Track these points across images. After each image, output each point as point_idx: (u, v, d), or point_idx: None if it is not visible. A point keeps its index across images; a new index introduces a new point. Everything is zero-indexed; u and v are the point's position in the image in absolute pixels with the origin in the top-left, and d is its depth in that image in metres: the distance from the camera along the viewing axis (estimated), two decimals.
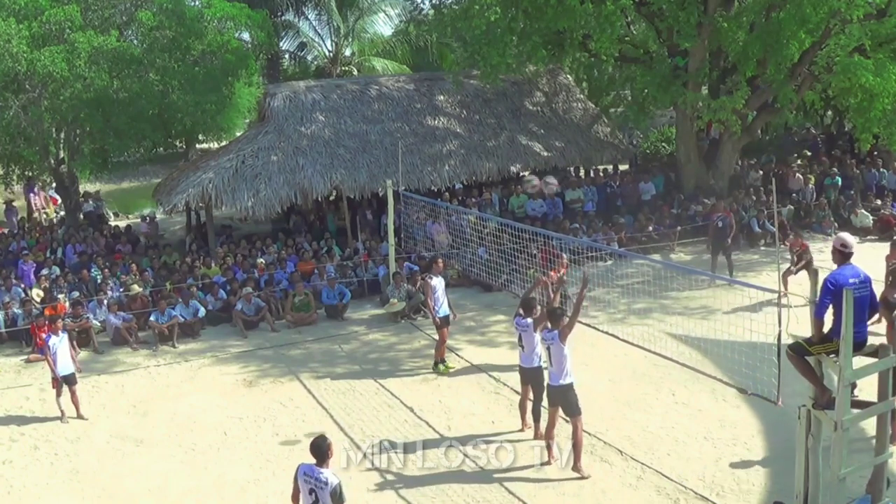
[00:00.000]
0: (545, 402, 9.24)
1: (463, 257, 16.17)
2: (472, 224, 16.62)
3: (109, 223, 21.90)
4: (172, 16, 17.41)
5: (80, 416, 11.04)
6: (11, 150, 18.30)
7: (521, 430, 9.90)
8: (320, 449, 6.30)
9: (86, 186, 23.07)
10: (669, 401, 10.68)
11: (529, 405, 9.84)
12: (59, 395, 10.99)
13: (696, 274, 14.55)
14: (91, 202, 21.89)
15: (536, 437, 9.58)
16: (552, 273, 11.70)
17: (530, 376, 9.71)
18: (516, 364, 12.07)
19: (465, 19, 19.06)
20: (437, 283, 12.29)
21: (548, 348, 8.72)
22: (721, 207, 16.69)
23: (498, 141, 20.53)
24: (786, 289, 14.81)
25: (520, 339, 9.68)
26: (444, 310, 12.25)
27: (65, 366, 10.99)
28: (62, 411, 11.00)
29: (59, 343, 11.02)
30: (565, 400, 8.71)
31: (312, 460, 6.40)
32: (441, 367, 12.19)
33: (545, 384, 9.03)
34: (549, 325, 8.89)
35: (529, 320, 9.57)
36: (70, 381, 11.04)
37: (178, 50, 17.64)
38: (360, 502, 8.56)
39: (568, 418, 8.90)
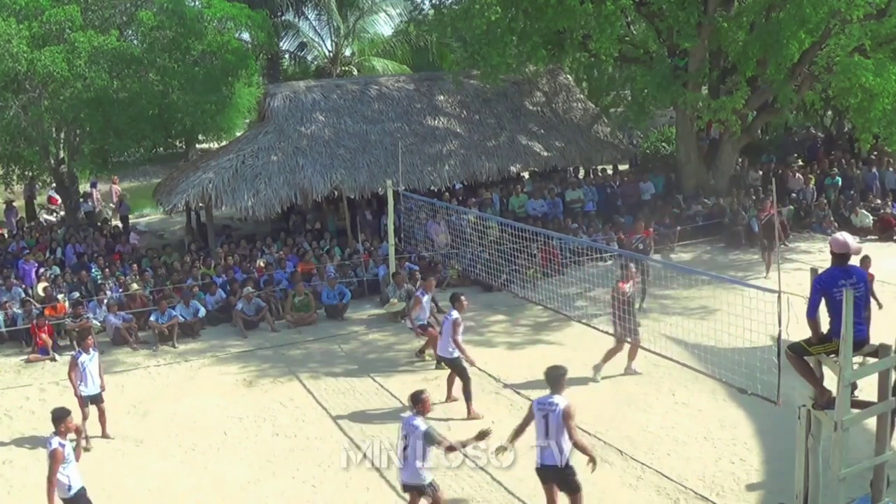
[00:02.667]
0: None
1: (463, 257, 16.17)
2: (472, 224, 16.61)
3: (110, 223, 21.91)
4: (172, 16, 17.41)
5: (105, 436, 10.36)
6: (11, 150, 18.29)
7: (445, 402, 10.63)
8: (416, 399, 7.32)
9: (85, 187, 23.08)
10: (669, 401, 10.68)
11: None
12: (85, 417, 10.01)
13: (696, 274, 14.54)
14: (89, 202, 21.88)
15: (470, 416, 10.17)
16: (621, 284, 11.29)
17: (448, 364, 10.63)
18: (516, 364, 12.13)
19: (465, 19, 19.06)
20: (426, 300, 12.45)
21: (545, 416, 7.03)
22: (641, 228, 15.53)
23: (498, 141, 20.53)
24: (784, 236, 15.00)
25: (441, 327, 10.27)
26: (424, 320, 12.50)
27: (94, 385, 10.21)
28: (86, 437, 9.93)
29: (90, 361, 10.18)
30: (562, 480, 7.17)
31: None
32: (427, 355, 12.55)
33: (536, 463, 7.27)
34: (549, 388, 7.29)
35: (455, 314, 10.43)
36: (97, 400, 10.28)
37: (178, 50, 17.64)
38: (361, 502, 8.57)
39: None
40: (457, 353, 10.45)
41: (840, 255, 6.36)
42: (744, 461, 8.96)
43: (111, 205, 23.72)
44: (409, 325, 12.74)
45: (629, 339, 11.12)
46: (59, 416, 7.63)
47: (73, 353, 10.41)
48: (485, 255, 15.05)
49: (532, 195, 19.75)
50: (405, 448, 7.17)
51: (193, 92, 17.15)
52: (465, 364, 10.48)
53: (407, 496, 7.51)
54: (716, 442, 9.47)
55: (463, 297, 10.94)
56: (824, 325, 6.41)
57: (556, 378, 7.21)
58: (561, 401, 7.03)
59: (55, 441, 7.50)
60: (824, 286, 6.20)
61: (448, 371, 10.88)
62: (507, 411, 10.58)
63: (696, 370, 9.36)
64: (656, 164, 23.61)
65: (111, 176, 22.92)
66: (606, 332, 11.18)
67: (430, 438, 7.05)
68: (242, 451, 9.87)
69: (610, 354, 11.33)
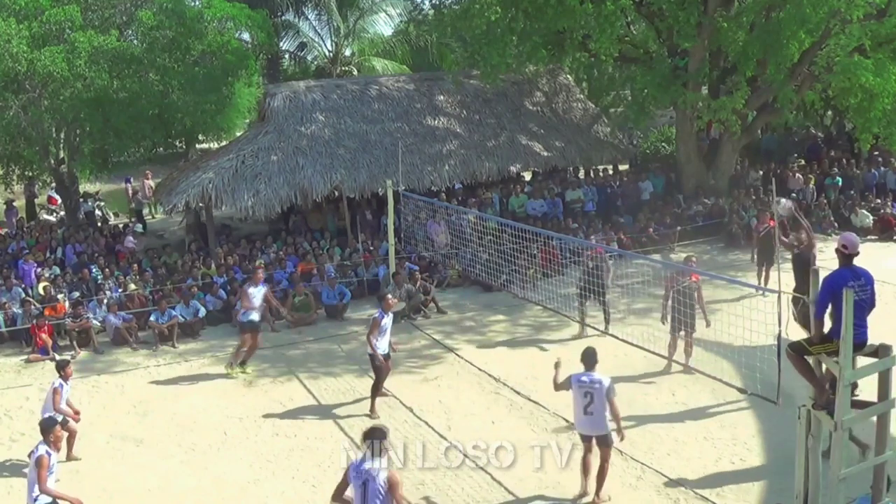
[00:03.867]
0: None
1: (463, 257, 16.17)
2: (472, 224, 16.62)
3: (110, 223, 21.93)
4: (172, 16, 17.41)
5: (71, 457, 9.82)
6: (11, 150, 18.30)
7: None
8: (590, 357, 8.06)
9: (85, 186, 23.08)
10: (669, 401, 10.67)
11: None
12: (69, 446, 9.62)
13: (696, 274, 14.52)
14: (88, 202, 21.82)
15: (372, 414, 10.49)
16: (675, 275, 11.17)
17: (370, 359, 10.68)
18: (516, 364, 12.08)
19: (465, 19, 19.06)
20: (255, 291, 12.32)
21: (363, 484, 6.03)
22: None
23: (498, 141, 20.53)
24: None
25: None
26: (254, 316, 12.33)
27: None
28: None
29: (68, 393, 9.73)
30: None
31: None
32: (239, 369, 12.36)
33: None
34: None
35: (377, 313, 10.62)
36: (64, 422, 9.45)
37: (178, 50, 17.64)
38: None
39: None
40: (372, 350, 10.56)
41: (851, 255, 6.36)
42: (744, 461, 8.96)
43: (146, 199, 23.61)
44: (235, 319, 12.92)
45: (681, 334, 11.10)
46: (48, 425, 7.80)
47: (56, 383, 9.65)
48: (484, 256, 15.05)
49: (532, 195, 19.75)
50: (589, 403, 7.92)
51: (193, 92, 17.15)
52: (378, 363, 10.57)
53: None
54: (716, 442, 9.47)
55: (389, 297, 10.84)
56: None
57: (376, 435, 6.07)
58: (381, 471, 5.97)
59: (42, 448, 7.63)
60: (834, 287, 6.18)
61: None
62: (507, 411, 10.60)
63: (697, 370, 9.36)
64: (656, 164, 23.61)
65: (145, 171, 23.07)
66: (606, 333, 11.18)
67: (613, 391, 7.97)
68: (242, 451, 9.87)
69: (670, 349, 11.28)
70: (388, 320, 10.68)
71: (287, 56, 34.39)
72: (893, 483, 6.97)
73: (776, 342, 7.71)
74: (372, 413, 10.55)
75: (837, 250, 6.45)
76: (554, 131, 21.50)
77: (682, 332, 11.14)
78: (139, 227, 18.67)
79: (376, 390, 10.70)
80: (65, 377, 9.71)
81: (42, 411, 9.62)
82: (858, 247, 6.43)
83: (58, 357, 13.27)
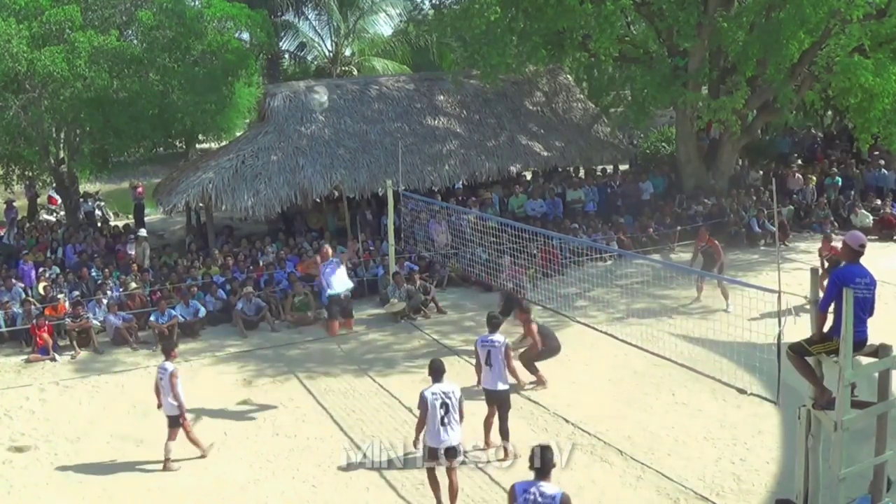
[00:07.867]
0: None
1: (463, 257, 16.17)
2: (472, 224, 16.61)
3: (110, 223, 21.92)
4: (172, 16, 17.40)
5: (202, 455, 9.74)
6: (11, 150, 18.28)
7: (484, 449, 9.53)
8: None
9: (85, 186, 23.08)
10: (669, 401, 10.68)
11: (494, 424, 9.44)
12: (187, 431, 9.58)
13: (696, 274, 14.53)
14: (89, 202, 21.81)
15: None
16: (696, 242, 14.15)
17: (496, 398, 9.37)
18: (515, 363, 12.03)
19: (465, 19, 19.05)
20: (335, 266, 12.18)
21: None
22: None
23: (498, 141, 20.52)
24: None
25: (487, 357, 9.28)
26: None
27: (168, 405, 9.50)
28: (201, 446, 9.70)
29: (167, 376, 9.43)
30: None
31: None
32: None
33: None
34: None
35: (499, 338, 9.36)
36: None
37: (178, 50, 17.63)
38: (360, 502, 8.57)
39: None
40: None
41: (857, 253, 6.34)
42: (744, 461, 8.96)
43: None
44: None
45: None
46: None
47: (170, 368, 9.54)
48: (484, 256, 15.04)
49: (532, 195, 19.74)
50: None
51: (193, 92, 17.14)
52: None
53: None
54: (716, 442, 9.47)
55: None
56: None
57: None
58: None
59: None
60: (843, 281, 6.16)
61: None
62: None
63: (696, 370, 9.36)
64: (656, 164, 23.62)
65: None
66: (606, 333, 11.17)
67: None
68: (242, 451, 9.87)
69: (698, 292, 14.43)
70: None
71: (287, 56, 34.41)
72: (893, 483, 6.97)
73: (776, 342, 7.70)
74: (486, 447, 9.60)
75: (847, 247, 6.37)
76: (554, 131, 21.50)
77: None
78: (142, 232, 18.19)
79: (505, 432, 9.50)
80: (172, 358, 9.70)
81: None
82: (865, 245, 6.41)
83: (58, 357, 13.36)
